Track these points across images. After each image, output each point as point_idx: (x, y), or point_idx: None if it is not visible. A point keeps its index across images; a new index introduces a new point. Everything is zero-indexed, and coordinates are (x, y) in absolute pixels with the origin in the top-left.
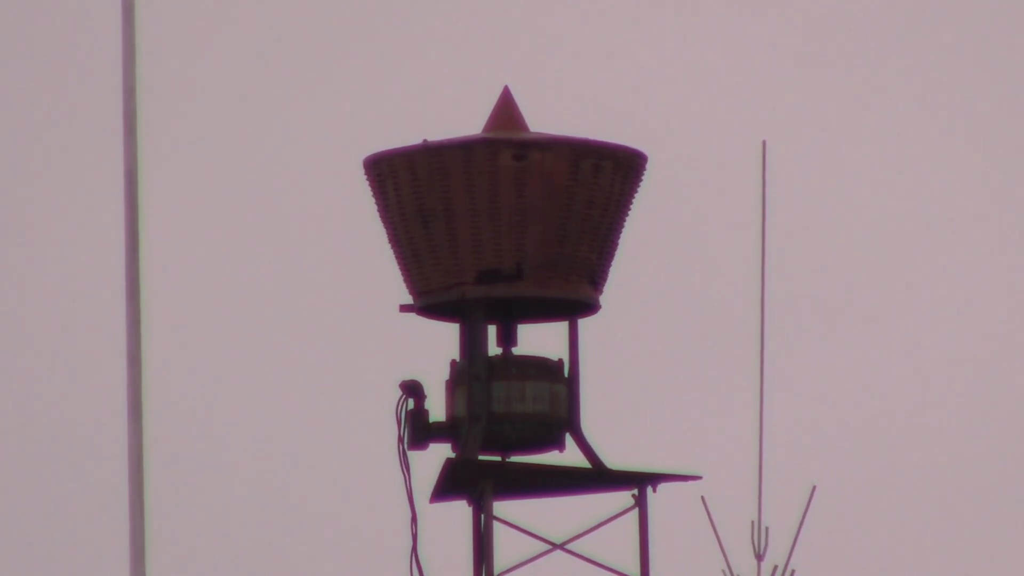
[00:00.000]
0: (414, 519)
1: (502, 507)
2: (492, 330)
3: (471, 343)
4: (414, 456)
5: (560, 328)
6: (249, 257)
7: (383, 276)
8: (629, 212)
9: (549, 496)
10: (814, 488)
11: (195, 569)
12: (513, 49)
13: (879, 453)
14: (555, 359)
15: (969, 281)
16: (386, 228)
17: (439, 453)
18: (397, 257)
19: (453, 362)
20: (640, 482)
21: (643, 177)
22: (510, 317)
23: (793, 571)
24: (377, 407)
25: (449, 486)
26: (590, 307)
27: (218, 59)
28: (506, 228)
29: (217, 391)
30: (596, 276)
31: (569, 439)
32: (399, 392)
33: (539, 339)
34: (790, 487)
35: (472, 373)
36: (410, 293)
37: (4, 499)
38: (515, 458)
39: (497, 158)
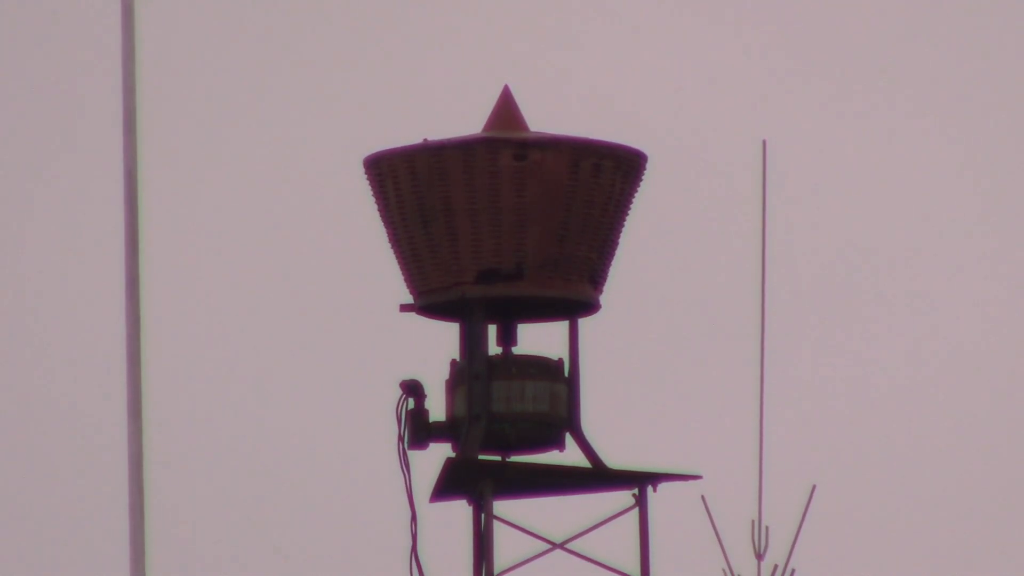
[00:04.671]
0: (414, 519)
1: (502, 507)
2: (492, 330)
3: (471, 343)
4: (414, 456)
5: (560, 328)
6: (249, 257)
7: (383, 276)
8: (629, 212)
9: (549, 496)
10: (814, 488)
11: (195, 569)
12: (513, 49)
13: (879, 453)
14: (555, 359)
15: (970, 281)
16: (386, 228)
17: (439, 453)
18: (397, 257)
19: (453, 362)
20: (640, 482)
21: (643, 177)
22: (510, 317)
23: (793, 571)
24: (377, 407)
25: (449, 486)
26: (590, 307)
27: (218, 59)
28: (506, 228)
29: (217, 391)
30: (596, 276)
31: (569, 439)
32: (399, 392)
33: (539, 339)
34: (790, 487)
35: (472, 373)
36: (410, 293)
37: (4, 499)
38: (515, 458)
39: (497, 158)
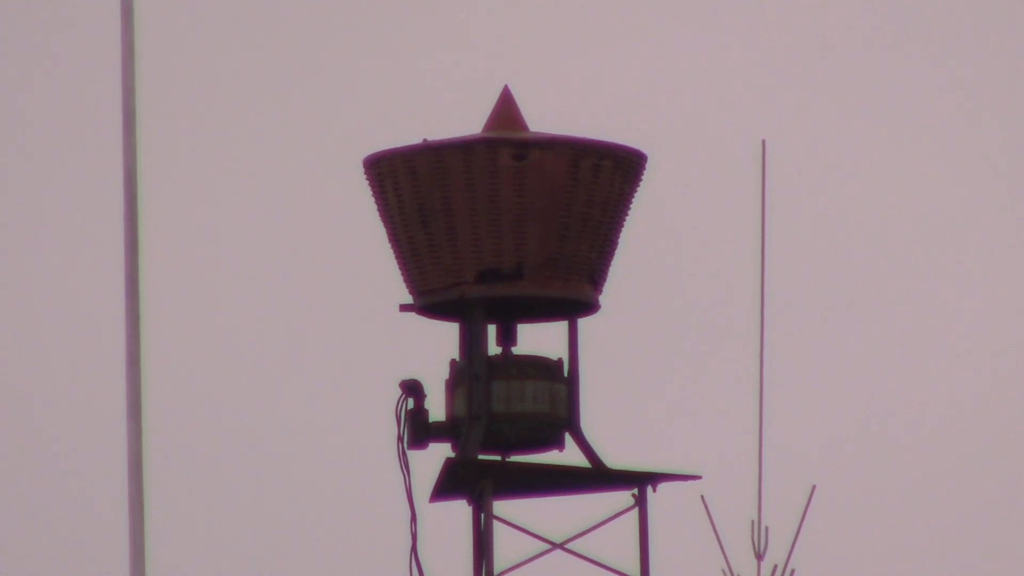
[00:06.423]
0: (414, 519)
1: (502, 507)
2: (492, 329)
3: (471, 343)
4: (414, 456)
5: (560, 328)
6: (249, 257)
7: (383, 276)
8: (629, 212)
9: (549, 496)
10: (814, 488)
11: (195, 569)
12: (513, 49)
13: (879, 453)
14: (555, 359)
15: (970, 281)
16: (386, 228)
17: (439, 453)
18: (397, 257)
19: (453, 362)
20: (640, 482)
21: (643, 177)
22: (510, 317)
23: (793, 571)
24: (377, 407)
25: (449, 486)
26: (590, 307)
27: (218, 59)
28: (506, 228)
29: (217, 391)
30: (596, 276)
31: (569, 439)
32: (399, 392)
33: (539, 339)
34: (790, 487)
35: (472, 373)
36: (410, 292)
37: (4, 499)
38: (515, 458)
39: (497, 158)
